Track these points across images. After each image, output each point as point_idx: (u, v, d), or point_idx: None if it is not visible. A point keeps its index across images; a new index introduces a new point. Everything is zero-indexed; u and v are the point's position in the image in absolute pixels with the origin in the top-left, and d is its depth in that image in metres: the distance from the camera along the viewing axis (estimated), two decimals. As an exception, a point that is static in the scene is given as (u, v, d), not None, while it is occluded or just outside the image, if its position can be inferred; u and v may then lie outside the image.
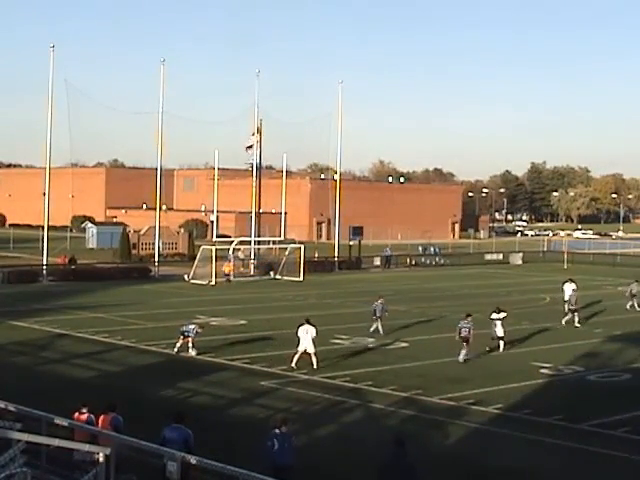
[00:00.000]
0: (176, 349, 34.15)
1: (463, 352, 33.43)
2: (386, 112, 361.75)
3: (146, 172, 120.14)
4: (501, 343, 35.98)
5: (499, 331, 36.01)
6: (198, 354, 33.98)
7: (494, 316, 36.54)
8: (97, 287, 57.43)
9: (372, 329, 39.46)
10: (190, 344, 33.90)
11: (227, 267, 65.33)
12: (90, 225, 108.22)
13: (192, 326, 34.39)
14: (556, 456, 21.97)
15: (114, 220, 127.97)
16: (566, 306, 45.77)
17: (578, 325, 43.36)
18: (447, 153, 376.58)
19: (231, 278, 64.75)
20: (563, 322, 43.83)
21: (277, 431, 17.16)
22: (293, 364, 31.36)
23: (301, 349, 31.66)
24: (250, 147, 73.93)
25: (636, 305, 51.89)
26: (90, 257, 79.62)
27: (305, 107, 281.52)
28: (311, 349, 31.54)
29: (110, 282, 61.05)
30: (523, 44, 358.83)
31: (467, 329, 33.74)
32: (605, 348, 37.82)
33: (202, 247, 68.67)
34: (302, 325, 32.16)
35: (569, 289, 47.80)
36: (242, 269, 70.93)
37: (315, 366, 31.26)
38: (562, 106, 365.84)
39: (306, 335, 31.69)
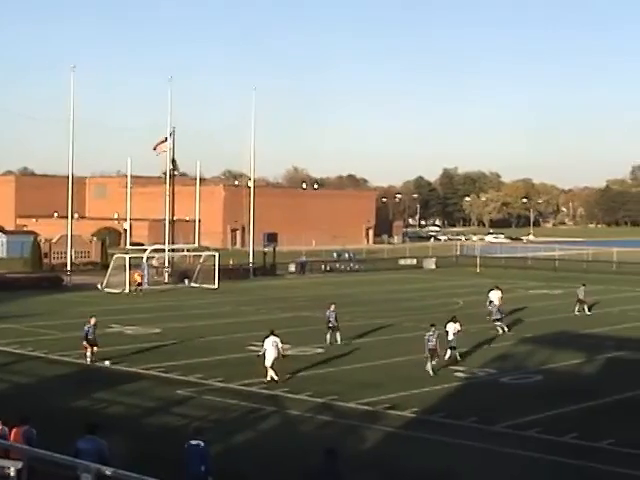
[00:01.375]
0: (88, 359, 33.82)
1: (430, 364, 32.51)
2: (300, 118, 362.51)
3: (57, 180, 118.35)
4: (456, 352, 34.92)
5: (452, 340, 34.84)
6: (112, 363, 33.62)
7: (450, 326, 35.30)
8: (7, 297, 56.33)
9: (329, 339, 38.64)
10: (94, 349, 33.90)
11: (138, 276, 64.31)
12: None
13: (92, 322, 34.25)
14: (470, 457, 22.25)
15: (24, 229, 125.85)
16: (495, 315, 45.20)
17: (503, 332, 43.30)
18: (360, 159, 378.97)
19: (142, 287, 63.77)
20: (501, 330, 43.22)
21: (192, 442, 17.03)
22: (275, 378, 30.43)
23: (268, 363, 30.76)
24: (159, 145, 72.78)
25: (585, 309, 51.88)
26: (0, 267, 78.17)
27: (219, 114, 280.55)
28: (271, 361, 30.78)
29: (21, 292, 59.98)
30: (428, 49, 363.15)
31: (434, 341, 32.75)
32: (517, 350, 38.41)
33: (115, 255, 67.98)
34: (268, 337, 31.46)
35: (495, 297, 47.02)
36: (156, 277, 70.27)
37: (276, 378, 30.47)
38: (473, 112, 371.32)
39: (272, 347, 30.95)
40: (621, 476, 20.84)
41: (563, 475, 20.84)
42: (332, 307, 39.36)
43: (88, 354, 33.97)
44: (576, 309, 51.83)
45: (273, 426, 25.20)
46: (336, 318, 39.07)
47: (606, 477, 20.85)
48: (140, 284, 63.61)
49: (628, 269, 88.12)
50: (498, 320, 43.90)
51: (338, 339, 38.66)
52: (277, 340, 31.34)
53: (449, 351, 34.75)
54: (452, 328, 35.19)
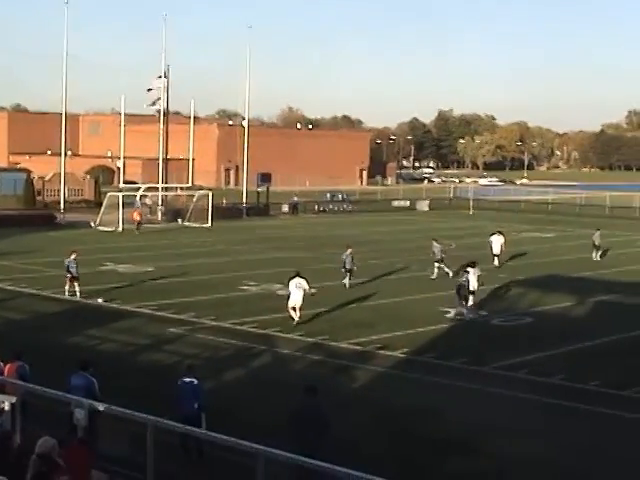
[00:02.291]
0: (67, 293, 34.21)
1: (461, 309, 32.62)
2: (295, 58, 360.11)
3: (50, 117, 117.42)
4: (471, 297, 33.50)
5: (473, 284, 33.63)
6: (105, 301, 33.81)
7: (470, 270, 34.00)
8: (0, 234, 56.33)
9: (346, 283, 38.10)
10: (75, 283, 34.28)
11: (137, 214, 64.11)
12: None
13: (72, 257, 34.57)
14: (458, 397, 22.53)
15: (17, 166, 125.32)
16: (495, 259, 45.83)
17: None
18: (355, 100, 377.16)
19: (141, 225, 63.56)
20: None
21: (185, 379, 17.20)
22: (296, 320, 30.06)
23: (291, 304, 30.32)
24: (151, 90, 72.56)
25: (598, 256, 51.15)
26: (-7, 204, 77.96)
27: (214, 53, 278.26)
28: (299, 303, 30.27)
29: (14, 229, 59.83)
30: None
31: (466, 281, 32.69)
32: (508, 293, 38.68)
33: (109, 194, 67.89)
34: (293, 278, 30.85)
35: (497, 241, 46.94)
36: (150, 216, 70.24)
37: (298, 319, 30.18)
38: (469, 54, 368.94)
39: (297, 288, 30.34)
40: (607, 416, 21.15)
41: (550, 415, 21.11)
42: (348, 250, 38.58)
43: (67, 287, 34.49)
44: (593, 255, 50.99)
45: (264, 364, 25.44)
46: (352, 261, 38.39)
47: (592, 417, 21.13)
48: (140, 222, 63.43)
49: (620, 213, 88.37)
50: (439, 261, 42.11)
51: (347, 284, 38.02)
52: (302, 281, 30.57)
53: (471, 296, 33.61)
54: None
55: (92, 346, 26.75)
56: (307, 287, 30.52)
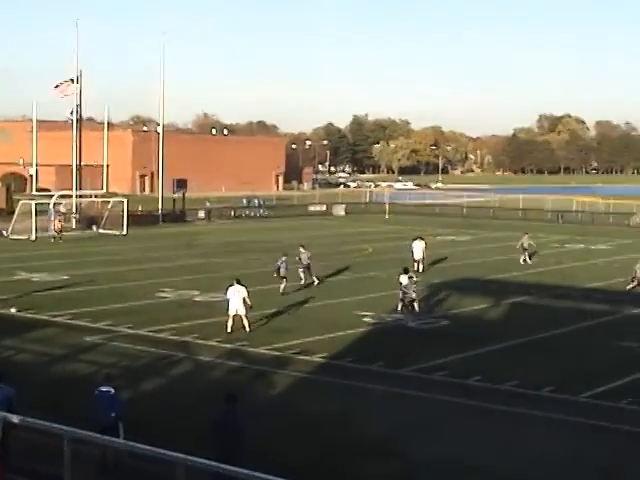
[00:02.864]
0: None
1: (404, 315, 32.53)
2: (209, 63, 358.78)
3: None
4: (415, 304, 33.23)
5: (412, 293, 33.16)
6: (18, 311, 33.26)
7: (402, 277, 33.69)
8: None
9: (282, 290, 37.90)
10: None
11: (59, 222, 62.93)
12: None
13: None
14: (374, 400, 22.66)
15: None
16: (417, 265, 45.25)
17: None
18: (270, 105, 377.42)
19: (62, 233, 62.14)
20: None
21: (102, 388, 17.01)
22: (229, 330, 29.63)
23: (232, 312, 29.83)
24: (62, 86, 71.47)
25: (527, 258, 51.20)
26: None
27: (127, 59, 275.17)
28: (242, 311, 29.77)
29: None
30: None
31: (414, 291, 32.63)
32: (425, 296, 38.97)
33: (21, 202, 66.77)
34: (231, 286, 30.40)
35: (419, 247, 46.63)
36: (64, 223, 69.23)
37: (248, 329, 29.71)
38: (383, 59, 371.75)
39: (236, 296, 29.88)
40: (522, 416, 21.47)
41: (466, 416, 21.35)
42: (284, 257, 38.70)
43: None
44: (521, 258, 51.17)
45: (183, 372, 25.27)
46: (287, 269, 38.47)
47: (508, 417, 21.43)
48: (61, 231, 62.38)
49: (533, 215, 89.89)
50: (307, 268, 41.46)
51: (281, 289, 37.91)
52: (241, 289, 30.14)
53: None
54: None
55: (6, 357, 26.25)
56: (246, 295, 29.98)
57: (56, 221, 62.85)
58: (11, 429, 14.65)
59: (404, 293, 32.65)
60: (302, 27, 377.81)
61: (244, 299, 29.89)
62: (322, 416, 21.07)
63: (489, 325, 33.14)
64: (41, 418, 13.75)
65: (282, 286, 38.14)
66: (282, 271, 38.36)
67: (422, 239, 47.61)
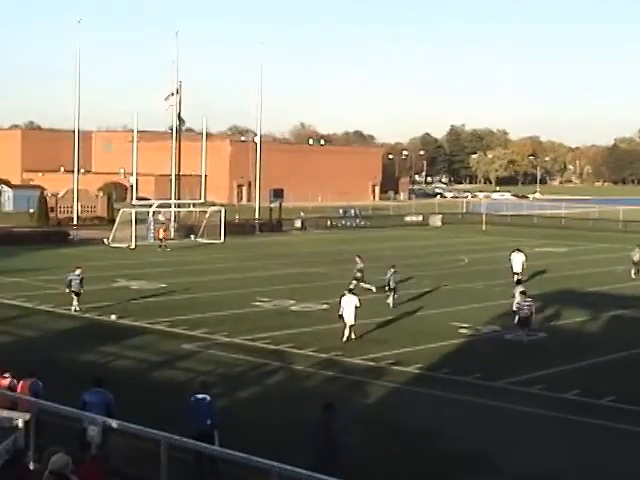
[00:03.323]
0: (75, 307, 34.59)
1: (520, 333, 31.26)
2: (307, 74, 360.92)
3: (63, 134, 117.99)
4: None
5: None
6: (118, 317, 33.85)
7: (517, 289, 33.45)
8: (14, 251, 56.47)
9: (390, 302, 37.20)
10: (76, 299, 34.70)
11: (164, 231, 63.99)
12: (6, 188, 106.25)
13: (77, 272, 34.84)
14: (472, 413, 22.44)
15: (31, 183, 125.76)
16: (515, 278, 42.76)
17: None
18: (367, 116, 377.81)
19: (165, 243, 62.96)
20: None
21: (198, 396, 17.17)
22: (345, 338, 29.91)
23: (348, 322, 30.06)
24: (167, 99, 72.92)
25: (638, 272, 49.41)
26: (6, 221, 78.25)
27: (226, 69, 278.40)
28: (351, 320, 30.01)
29: (28, 246, 60.04)
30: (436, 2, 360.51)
31: (527, 308, 30.95)
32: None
33: (121, 210, 67.98)
34: (344, 295, 30.71)
35: (518, 259, 45.43)
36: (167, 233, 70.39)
37: (353, 337, 30.05)
38: (481, 69, 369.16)
39: (349, 305, 30.07)
40: (621, 431, 21.03)
41: (564, 431, 21.00)
42: (392, 269, 38.04)
43: (75, 303, 34.85)
44: (632, 272, 49.50)
45: (278, 381, 25.39)
46: (396, 280, 37.75)
47: (606, 433, 21.02)
48: (165, 239, 63.33)
49: (634, 227, 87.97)
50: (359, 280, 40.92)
51: (391, 304, 37.12)
52: (353, 298, 30.31)
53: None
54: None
55: (105, 363, 26.76)
56: (358, 304, 30.19)
57: (161, 230, 63.82)
58: (110, 433, 14.89)
59: (518, 308, 31.29)
60: (395, 37, 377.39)
61: (355, 307, 30.00)
62: (416, 428, 20.95)
63: (587, 338, 32.58)
64: (139, 423, 13.93)
65: (391, 299, 37.41)
66: (392, 284, 37.72)
67: (521, 251, 46.53)
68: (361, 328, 32.19)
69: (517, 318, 30.99)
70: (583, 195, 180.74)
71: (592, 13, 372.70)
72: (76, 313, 34.53)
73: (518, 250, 46.36)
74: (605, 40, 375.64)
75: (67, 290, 35.20)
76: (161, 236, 63.44)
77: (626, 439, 20.64)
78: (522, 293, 31.74)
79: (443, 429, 20.91)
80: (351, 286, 37.80)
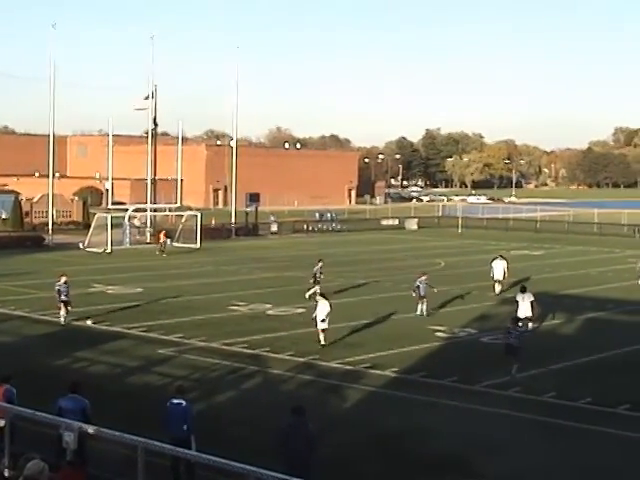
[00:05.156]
0: (62, 319, 33.87)
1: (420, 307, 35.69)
2: (282, 78, 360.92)
3: (38, 139, 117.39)
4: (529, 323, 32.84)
5: (527, 311, 32.60)
6: (94, 323, 33.69)
7: (520, 296, 33.37)
8: (-11, 256, 56.12)
9: (418, 311, 36.42)
10: (66, 307, 33.83)
11: (163, 235, 63.45)
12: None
13: (62, 280, 34.14)
14: (448, 416, 22.48)
15: (5, 188, 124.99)
16: (496, 286, 42.78)
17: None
18: (343, 120, 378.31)
19: (164, 248, 62.52)
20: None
21: (174, 400, 17.09)
22: (323, 342, 29.86)
23: (319, 326, 29.94)
24: (139, 109, 72.83)
25: None
26: (-19, 226, 77.71)
27: (201, 73, 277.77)
28: (321, 325, 29.96)
29: (2, 251, 59.74)
30: (413, 4, 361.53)
31: (516, 336, 26.48)
32: (498, 311, 38.58)
33: (97, 215, 67.72)
34: (319, 299, 30.71)
35: (499, 266, 43.34)
36: (138, 237, 70.14)
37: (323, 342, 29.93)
38: (456, 72, 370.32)
39: (319, 308, 30.08)
40: (597, 433, 21.12)
41: (541, 433, 21.05)
42: (423, 277, 37.16)
43: (62, 313, 34.00)
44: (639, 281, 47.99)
45: (254, 385, 25.35)
46: (426, 287, 36.83)
47: (583, 435, 21.10)
48: (164, 243, 62.98)
49: (608, 230, 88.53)
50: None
51: (424, 312, 36.39)
52: (326, 302, 30.19)
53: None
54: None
55: (81, 368, 26.63)
56: (328, 309, 30.08)
57: (161, 234, 63.36)
58: (86, 439, 14.80)
59: (507, 334, 27.04)
60: (371, 41, 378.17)
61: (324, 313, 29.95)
62: (393, 431, 20.96)
63: (563, 341, 32.69)
64: (115, 429, 13.85)
65: (420, 307, 36.61)
66: (422, 291, 36.80)
67: (503, 258, 44.58)
68: (336, 331, 32.19)
69: (505, 346, 26.86)
70: (558, 198, 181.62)
71: (563, 17, 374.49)
72: (63, 323, 33.85)
73: (501, 257, 44.66)
74: (578, 44, 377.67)
75: (59, 300, 33.91)
76: (162, 240, 63.02)
77: (602, 441, 20.72)
78: (514, 320, 27.65)
79: (420, 432, 20.93)
80: (314, 290, 38.22)
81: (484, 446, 20.05)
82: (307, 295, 39.36)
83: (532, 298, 33.05)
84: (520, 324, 27.97)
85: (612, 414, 22.63)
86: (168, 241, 64.16)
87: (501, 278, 43.22)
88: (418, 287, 36.81)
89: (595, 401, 23.52)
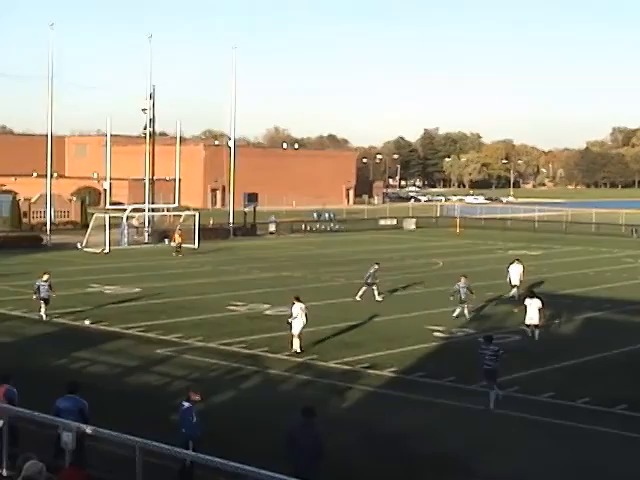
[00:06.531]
0: (43, 315, 34.20)
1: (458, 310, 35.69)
2: (281, 78, 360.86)
3: (36, 139, 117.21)
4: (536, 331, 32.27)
5: (533, 317, 32.13)
6: (92, 323, 33.68)
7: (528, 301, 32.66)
8: (-13, 257, 56.07)
9: (456, 314, 36.03)
10: (44, 306, 34.18)
11: (179, 236, 62.91)
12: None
13: (44, 278, 34.42)
14: (447, 416, 22.48)
15: (3, 188, 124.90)
16: (514, 291, 41.56)
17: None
18: (341, 119, 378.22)
19: (180, 248, 61.87)
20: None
21: (185, 404, 17.04)
22: (298, 349, 28.91)
23: (296, 331, 28.92)
24: (145, 110, 73.02)
25: None
26: (-21, 226, 77.63)
27: (199, 74, 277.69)
28: (296, 330, 29.04)
29: (0, 251, 59.66)
30: (414, 7, 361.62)
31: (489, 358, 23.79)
32: (496, 310, 38.64)
33: (95, 215, 67.68)
34: (294, 304, 29.41)
35: (516, 271, 42.17)
36: (136, 237, 70.11)
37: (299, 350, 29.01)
38: (455, 72, 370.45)
39: (301, 313, 29.07)
40: (595, 433, 21.13)
41: (539, 433, 21.06)
42: (463, 280, 36.91)
43: (43, 310, 34.38)
44: None
45: (253, 385, 25.34)
46: (466, 291, 36.40)
47: (581, 435, 21.10)
48: (181, 244, 62.43)
49: (607, 230, 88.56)
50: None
51: (466, 315, 36.11)
52: (303, 306, 29.38)
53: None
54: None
55: (79, 368, 26.62)
56: (300, 312, 29.17)
57: (177, 235, 63.11)
58: (84, 439, 14.79)
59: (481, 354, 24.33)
60: (370, 41, 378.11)
61: (306, 316, 29.20)
62: (392, 431, 20.96)
63: (561, 341, 32.69)
64: (114, 429, 13.84)
65: (458, 310, 36.22)
66: (462, 295, 36.45)
67: (520, 262, 43.31)
68: (335, 332, 32.21)
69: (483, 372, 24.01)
70: (556, 198, 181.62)
71: (561, 17, 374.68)
72: (46, 319, 34.17)
73: (517, 261, 43.24)
74: (577, 44, 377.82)
75: (34, 297, 34.71)
76: (178, 241, 62.56)
77: (601, 440, 20.73)
78: (486, 339, 24.66)
79: (419, 432, 20.93)
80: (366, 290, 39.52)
81: (480, 445, 20.07)
82: (358, 297, 39.38)
83: (540, 304, 32.10)
84: (492, 343, 24.26)
85: (611, 414, 22.64)
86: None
87: (518, 283, 42.10)
88: (458, 291, 36.47)
89: (594, 401, 23.53)
